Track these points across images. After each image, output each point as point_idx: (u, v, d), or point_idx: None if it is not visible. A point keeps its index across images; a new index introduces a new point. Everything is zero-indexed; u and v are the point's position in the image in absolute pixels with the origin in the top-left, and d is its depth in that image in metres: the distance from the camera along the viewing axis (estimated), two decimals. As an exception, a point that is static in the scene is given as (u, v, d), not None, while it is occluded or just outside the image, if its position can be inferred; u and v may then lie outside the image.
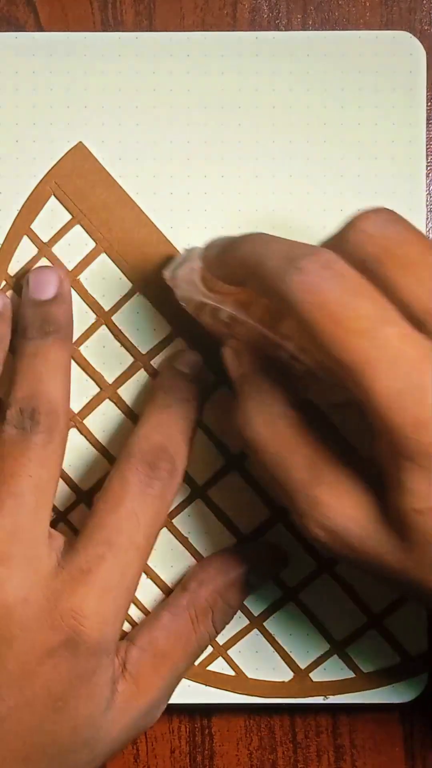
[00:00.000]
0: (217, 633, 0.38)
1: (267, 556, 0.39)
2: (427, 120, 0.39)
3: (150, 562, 0.39)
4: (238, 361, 0.35)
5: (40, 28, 0.40)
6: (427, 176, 0.40)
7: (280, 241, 0.32)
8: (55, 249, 0.39)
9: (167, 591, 0.40)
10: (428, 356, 0.29)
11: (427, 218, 0.39)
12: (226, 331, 0.36)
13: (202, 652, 0.38)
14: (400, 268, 0.30)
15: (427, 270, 0.30)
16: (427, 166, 0.39)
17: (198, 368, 0.38)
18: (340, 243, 0.31)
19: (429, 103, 0.39)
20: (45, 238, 0.39)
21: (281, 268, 0.30)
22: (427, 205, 0.39)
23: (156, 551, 0.39)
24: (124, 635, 0.37)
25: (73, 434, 0.39)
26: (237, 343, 0.35)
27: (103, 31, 0.40)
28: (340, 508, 0.31)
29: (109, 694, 0.36)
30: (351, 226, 0.31)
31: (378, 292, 0.30)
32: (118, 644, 0.37)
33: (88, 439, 0.39)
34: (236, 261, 0.33)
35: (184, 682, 0.39)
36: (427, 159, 0.39)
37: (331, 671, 0.39)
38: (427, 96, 0.39)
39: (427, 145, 0.39)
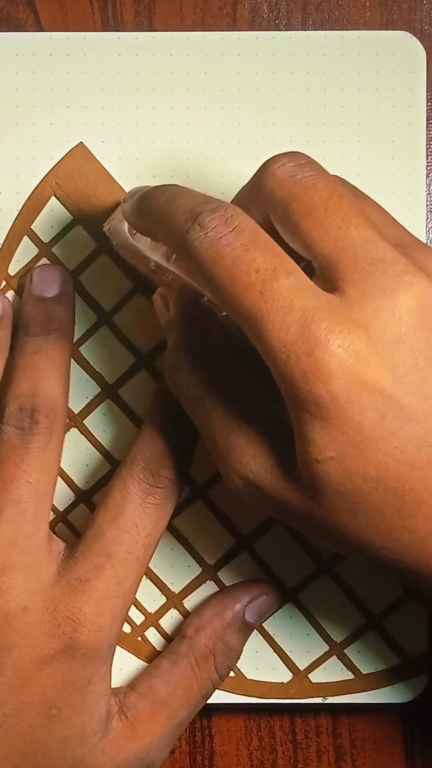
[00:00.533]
0: (221, 678, 0.38)
1: (261, 592, 0.39)
2: (427, 120, 0.39)
3: (150, 563, 0.39)
4: (165, 308, 0.35)
5: (40, 28, 0.40)
6: (427, 176, 0.39)
7: (188, 195, 0.31)
8: (56, 249, 0.39)
9: (166, 591, 0.40)
10: (320, 307, 0.29)
11: (427, 218, 0.39)
12: (155, 278, 0.36)
13: (207, 698, 0.38)
14: (304, 213, 0.30)
15: (330, 215, 0.30)
16: (427, 166, 0.39)
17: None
18: (254, 188, 0.31)
19: (429, 103, 0.39)
20: (46, 239, 0.39)
21: (184, 224, 0.30)
22: (427, 205, 0.39)
23: (156, 552, 0.39)
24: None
25: (73, 434, 0.39)
26: (165, 290, 0.36)
27: (103, 31, 0.40)
28: (253, 455, 0.32)
29: (104, 713, 0.36)
30: (263, 170, 0.31)
31: (274, 244, 0.30)
32: (118, 689, 0.37)
33: (88, 439, 0.39)
34: (147, 214, 0.33)
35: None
36: (427, 159, 0.39)
37: (331, 672, 0.39)
38: (426, 96, 0.39)
39: (427, 144, 0.39)
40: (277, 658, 0.40)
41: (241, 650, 0.39)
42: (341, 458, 0.29)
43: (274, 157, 0.31)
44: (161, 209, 0.32)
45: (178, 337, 0.34)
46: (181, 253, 0.31)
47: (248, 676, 0.39)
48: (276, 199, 0.31)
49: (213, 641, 0.38)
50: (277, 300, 0.29)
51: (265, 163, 0.31)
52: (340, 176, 0.33)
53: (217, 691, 0.39)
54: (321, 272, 0.30)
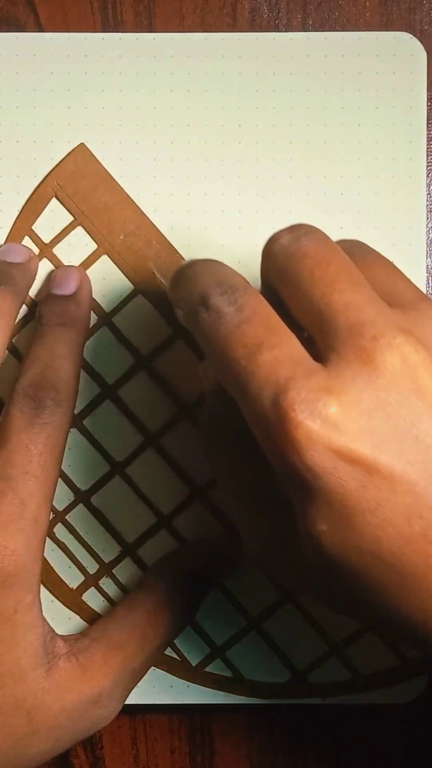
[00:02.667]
0: (178, 629, 0.38)
1: (222, 549, 0.39)
2: (428, 120, 0.39)
3: (149, 563, 0.39)
4: (205, 378, 0.35)
5: (41, 29, 0.40)
6: (428, 176, 0.39)
7: (209, 274, 0.31)
8: (57, 250, 0.39)
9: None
10: (296, 377, 0.28)
11: (427, 218, 0.39)
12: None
13: (162, 649, 0.38)
14: (294, 285, 0.30)
15: (314, 284, 0.30)
16: (427, 167, 0.39)
17: (76, 286, 0.39)
18: (261, 265, 0.32)
19: (429, 104, 0.39)
20: (46, 239, 0.39)
21: (195, 307, 0.31)
22: (427, 206, 0.39)
23: (155, 553, 0.39)
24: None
25: (73, 434, 0.39)
26: (207, 362, 0.35)
27: (103, 31, 0.40)
28: (263, 529, 0.32)
29: (39, 648, 0.35)
30: (265, 247, 0.31)
31: (271, 319, 0.30)
32: (70, 635, 0.37)
33: (87, 439, 0.39)
34: (175, 292, 0.33)
35: (184, 682, 0.39)
36: (427, 159, 0.39)
37: (330, 673, 0.39)
38: (427, 96, 0.39)
39: (427, 145, 0.39)
40: (275, 658, 0.40)
41: (200, 604, 0.39)
42: (333, 532, 0.28)
43: (274, 233, 0.31)
44: (183, 289, 0.32)
45: (210, 411, 0.34)
46: (192, 331, 0.31)
47: (246, 677, 0.40)
48: (273, 274, 0.31)
49: (171, 591, 0.38)
50: (256, 373, 0.28)
51: (268, 239, 0.31)
52: (354, 238, 0.33)
53: (216, 691, 0.39)
54: (313, 342, 0.30)
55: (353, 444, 0.27)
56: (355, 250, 0.32)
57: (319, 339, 0.29)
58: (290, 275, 0.30)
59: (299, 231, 0.31)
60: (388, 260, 0.33)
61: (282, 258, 0.31)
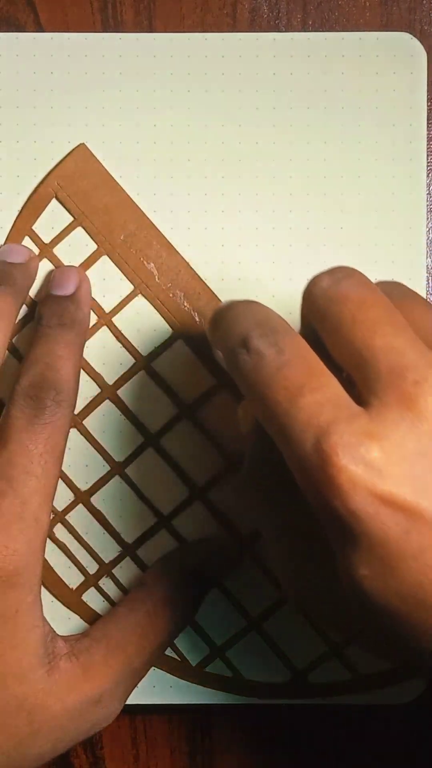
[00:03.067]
0: (178, 629, 0.38)
1: (222, 549, 0.39)
2: (428, 120, 0.39)
3: (149, 563, 0.39)
4: (244, 420, 0.35)
5: (41, 29, 0.40)
6: (428, 176, 0.39)
7: (249, 316, 0.31)
8: (57, 250, 0.39)
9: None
10: (338, 421, 0.28)
11: (427, 218, 0.39)
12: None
13: (163, 649, 0.38)
14: (334, 329, 0.30)
15: (356, 328, 0.29)
16: (427, 167, 0.39)
17: (75, 287, 0.39)
18: (302, 307, 0.32)
19: (429, 104, 0.39)
20: (46, 239, 0.39)
21: (234, 348, 0.30)
22: (427, 206, 0.39)
23: (155, 553, 0.39)
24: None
25: (73, 434, 0.39)
26: (247, 404, 0.35)
27: (103, 31, 0.40)
28: (305, 572, 0.32)
29: (40, 648, 0.35)
30: (305, 289, 0.31)
31: (312, 361, 0.29)
32: (70, 635, 0.37)
33: (87, 440, 0.39)
34: (214, 333, 0.32)
35: (184, 682, 0.39)
36: (427, 159, 0.39)
37: (330, 673, 0.39)
38: (427, 96, 0.39)
39: (427, 145, 0.39)
40: (275, 658, 0.40)
41: (200, 604, 0.39)
42: (375, 577, 0.28)
43: (314, 276, 0.31)
44: (223, 330, 0.32)
45: (250, 455, 0.34)
46: (232, 373, 0.31)
47: (246, 677, 0.40)
48: (314, 317, 0.31)
49: (171, 591, 0.38)
50: (298, 416, 0.28)
51: (309, 281, 0.31)
52: (393, 280, 0.33)
53: (216, 691, 0.39)
54: (353, 383, 0.29)
55: (396, 489, 0.27)
56: (394, 291, 0.32)
57: (361, 382, 0.29)
58: (331, 319, 0.30)
59: (339, 274, 0.31)
60: (427, 302, 0.33)
61: (323, 301, 0.30)
